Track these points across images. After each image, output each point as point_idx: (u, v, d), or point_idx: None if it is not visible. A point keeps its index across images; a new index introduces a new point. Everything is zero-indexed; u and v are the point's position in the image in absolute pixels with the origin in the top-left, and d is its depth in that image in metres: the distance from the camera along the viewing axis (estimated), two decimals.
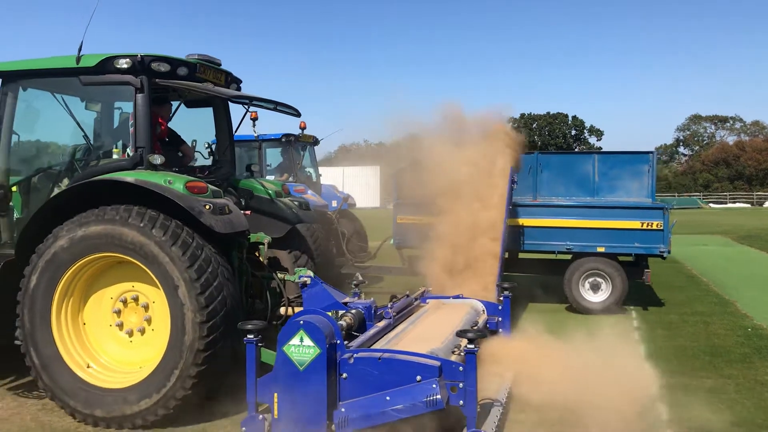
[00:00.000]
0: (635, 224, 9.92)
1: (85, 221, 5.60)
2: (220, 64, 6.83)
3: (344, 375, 4.98)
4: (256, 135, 12.18)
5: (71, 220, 5.66)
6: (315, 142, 13.02)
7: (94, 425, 5.69)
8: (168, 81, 6.12)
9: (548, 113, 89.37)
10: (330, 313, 5.80)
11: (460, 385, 4.83)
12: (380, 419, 4.82)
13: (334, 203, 12.53)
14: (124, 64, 5.95)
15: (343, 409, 4.92)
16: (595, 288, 10.26)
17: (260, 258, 6.83)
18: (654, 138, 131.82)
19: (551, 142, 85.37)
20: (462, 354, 4.86)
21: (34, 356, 5.76)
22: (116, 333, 5.95)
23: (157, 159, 5.91)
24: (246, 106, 7.09)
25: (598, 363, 6.12)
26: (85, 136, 6.48)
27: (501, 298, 7.42)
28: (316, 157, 13.08)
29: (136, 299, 5.86)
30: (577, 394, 5.60)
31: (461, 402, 4.83)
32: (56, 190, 6.33)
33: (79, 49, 6.03)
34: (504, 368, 6.36)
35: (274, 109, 7.00)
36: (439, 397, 4.70)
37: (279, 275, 6.74)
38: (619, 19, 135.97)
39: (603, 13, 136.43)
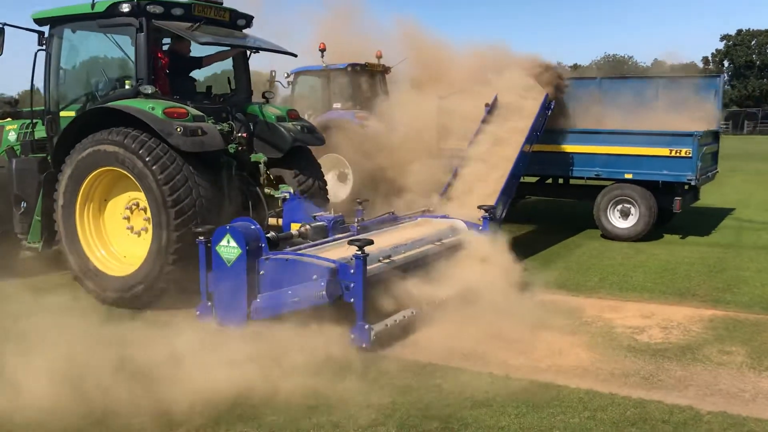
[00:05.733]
0: (663, 151, 9.63)
1: (89, 141, 6.94)
2: (220, 3, 7.71)
3: (261, 272, 5.90)
4: (324, 65, 13.01)
5: (81, 142, 7.03)
6: (385, 70, 13.57)
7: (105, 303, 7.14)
8: (162, 22, 7.14)
9: None
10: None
11: (351, 285, 5.57)
12: (282, 309, 5.74)
13: None
14: (125, 7, 7.06)
15: (258, 300, 5.88)
16: (624, 214, 10.19)
17: (262, 175, 7.86)
18: None
19: None
20: (351, 259, 5.58)
21: (66, 246, 7.32)
22: (127, 232, 7.31)
23: (148, 89, 7.02)
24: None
25: None
26: (103, 71, 7.76)
27: (480, 219, 7.85)
28: (386, 86, 13.62)
29: (137, 204, 7.16)
30: None
31: (352, 300, 5.59)
32: None
33: None
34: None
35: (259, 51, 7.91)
36: (324, 293, 5.49)
37: (267, 191, 7.72)
38: None
39: None
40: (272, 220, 7.71)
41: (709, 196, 15.06)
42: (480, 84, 10.72)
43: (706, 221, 12.23)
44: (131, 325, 6.31)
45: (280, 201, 7.53)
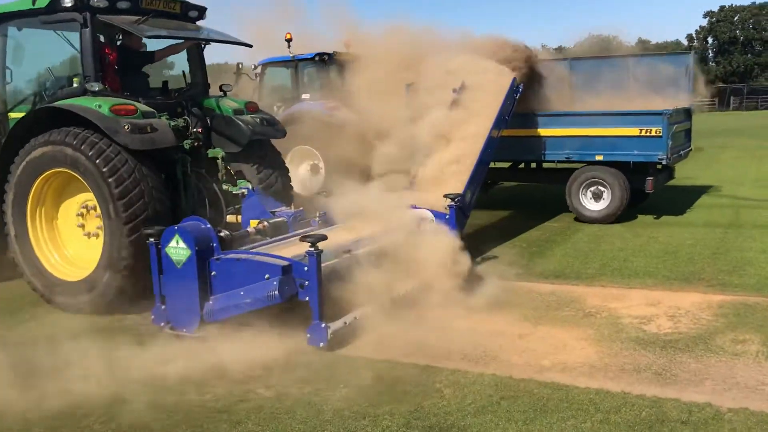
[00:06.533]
0: (633, 131, 9.47)
1: (36, 143, 6.69)
2: None
3: (213, 273, 5.69)
4: (292, 55, 12.72)
5: (29, 143, 6.77)
6: (354, 59, 13.25)
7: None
8: (106, 17, 6.87)
9: (754, 4, 75.05)
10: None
11: (306, 283, 5.38)
12: (235, 311, 5.54)
13: None
14: (67, 2, 6.78)
15: (211, 302, 5.67)
16: (597, 197, 10.04)
17: (220, 171, 7.64)
18: None
19: (756, 36, 73.06)
20: (305, 256, 5.38)
21: (19, 256, 7.07)
22: (84, 238, 7.06)
23: (95, 86, 6.77)
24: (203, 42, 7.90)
25: None
26: (50, 69, 7.49)
27: (447, 207, 7.66)
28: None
29: (87, 207, 6.91)
30: None
31: (307, 298, 5.39)
32: None
33: None
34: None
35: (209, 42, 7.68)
36: (276, 293, 5.28)
37: (225, 187, 7.49)
38: None
39: None
40: (231, 218, 7.50)
41: (702, 174, 14.98)
42: (446, 70, 10.50)
43: (702, 200, 12.05)
44: None
45: (239, 197, 7.32)
